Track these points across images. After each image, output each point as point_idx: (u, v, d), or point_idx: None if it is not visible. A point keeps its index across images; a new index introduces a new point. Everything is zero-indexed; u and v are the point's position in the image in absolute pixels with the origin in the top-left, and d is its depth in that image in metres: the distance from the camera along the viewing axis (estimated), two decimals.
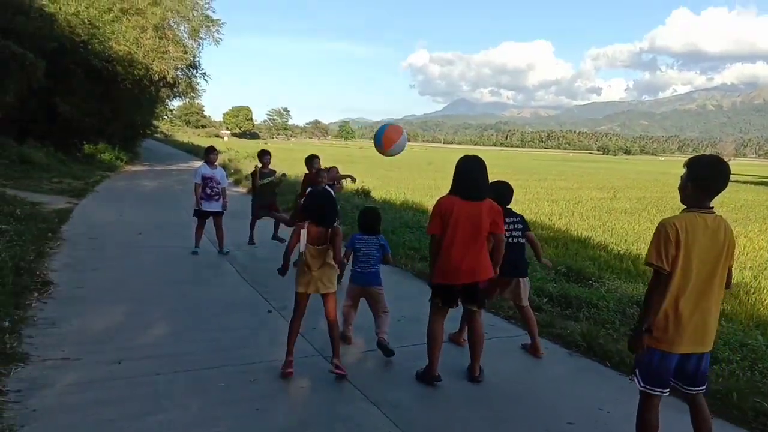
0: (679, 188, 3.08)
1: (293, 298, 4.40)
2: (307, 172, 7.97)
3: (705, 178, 2.95)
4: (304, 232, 4.14)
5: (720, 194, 2.99)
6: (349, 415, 3.71)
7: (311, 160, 8.00)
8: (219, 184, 8.44)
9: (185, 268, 7.59)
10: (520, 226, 4.97)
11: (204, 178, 8.31)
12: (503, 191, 4.96)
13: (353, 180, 7.97)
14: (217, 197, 8.41)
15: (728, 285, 3.06)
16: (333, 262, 4.29)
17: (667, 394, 3.11)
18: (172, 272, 7.30)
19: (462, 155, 4.38)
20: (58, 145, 22.04)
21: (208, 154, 8.51)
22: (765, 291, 7.84)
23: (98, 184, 17.17)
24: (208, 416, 3.57)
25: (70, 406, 3.58)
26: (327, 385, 4.16)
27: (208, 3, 26.90)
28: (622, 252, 10.19)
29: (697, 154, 3.34)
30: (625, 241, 11.51)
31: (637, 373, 3.14)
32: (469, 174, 4.18)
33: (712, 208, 2.97)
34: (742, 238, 12.67)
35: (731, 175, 3.08)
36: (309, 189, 4.26)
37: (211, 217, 8.49)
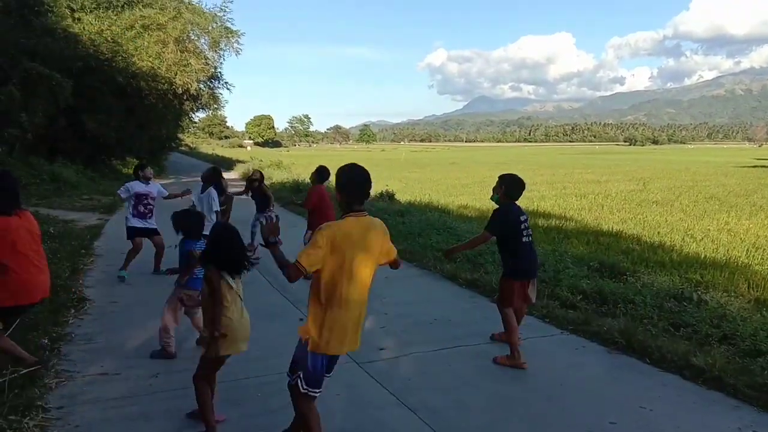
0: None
1: None
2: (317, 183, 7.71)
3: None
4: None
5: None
6: (384, 422, 3.68)
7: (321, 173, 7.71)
8: (155, 200, 7.75)
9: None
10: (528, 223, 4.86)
11: (138, 195, 7.55)
12: (512, 184, 4.82)
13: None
14: (150, 215, 7.69)
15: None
16: None
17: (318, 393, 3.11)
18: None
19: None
20: (86, 162, 22.54)
21: (139, 170, 7.77)
22: None
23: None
24: (250, 425, 3.60)
25: (111, 421, 3.63)
26: (362, 392, 4.14)
27: (227, 14, 27.24)
28: (655, 244, 9.98)
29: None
30: (658, 233, 11.26)
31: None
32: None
33: None
34: None
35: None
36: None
37: (148, 239, 7.75)
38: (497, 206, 4.86)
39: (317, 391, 3.07)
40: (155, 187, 7.82)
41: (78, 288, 6.62)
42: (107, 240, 10.04)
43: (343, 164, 3.13)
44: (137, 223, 7.60)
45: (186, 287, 4.67)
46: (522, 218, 4.74)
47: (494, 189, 4.88)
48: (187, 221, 4.67)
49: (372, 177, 3.10)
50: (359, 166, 3.10)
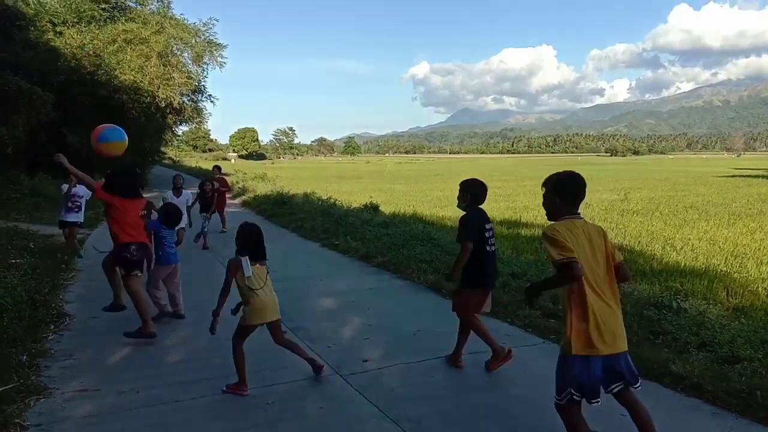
0: (544, 205, 3.26)
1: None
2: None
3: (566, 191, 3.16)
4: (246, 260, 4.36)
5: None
6: None
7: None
8: (81, 197, 9.69)
9: (199, 293, 7.57)
10: (493, 231, 4.75)
11: (69, 195, 9.55)
12: (478, 189, 4.71)
13: None
14: (77, 209, 9.66)
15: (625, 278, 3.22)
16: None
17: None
18: (186, 297, 7.31)
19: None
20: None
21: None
22: None
23: None
24: None
25: None
26: (345, 405, 4.13)
27: (211, 28, 27.25)
28: (636, 253, 10.10)
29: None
30: (639, 242, 11.41)
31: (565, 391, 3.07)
32: None
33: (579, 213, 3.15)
34: (758, 233, 12.52)
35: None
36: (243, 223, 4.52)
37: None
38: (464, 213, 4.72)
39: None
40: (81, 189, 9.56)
41: (58, 303, 6.53)
42: (88, 255, 9.92)
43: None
44: (67, 217, 9.68)
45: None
46: (487, 226, 4.66)
47: (459, 197, 4.76)
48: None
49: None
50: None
